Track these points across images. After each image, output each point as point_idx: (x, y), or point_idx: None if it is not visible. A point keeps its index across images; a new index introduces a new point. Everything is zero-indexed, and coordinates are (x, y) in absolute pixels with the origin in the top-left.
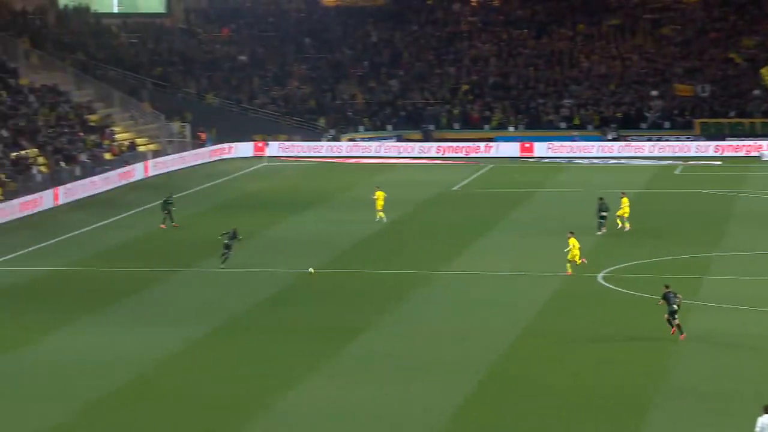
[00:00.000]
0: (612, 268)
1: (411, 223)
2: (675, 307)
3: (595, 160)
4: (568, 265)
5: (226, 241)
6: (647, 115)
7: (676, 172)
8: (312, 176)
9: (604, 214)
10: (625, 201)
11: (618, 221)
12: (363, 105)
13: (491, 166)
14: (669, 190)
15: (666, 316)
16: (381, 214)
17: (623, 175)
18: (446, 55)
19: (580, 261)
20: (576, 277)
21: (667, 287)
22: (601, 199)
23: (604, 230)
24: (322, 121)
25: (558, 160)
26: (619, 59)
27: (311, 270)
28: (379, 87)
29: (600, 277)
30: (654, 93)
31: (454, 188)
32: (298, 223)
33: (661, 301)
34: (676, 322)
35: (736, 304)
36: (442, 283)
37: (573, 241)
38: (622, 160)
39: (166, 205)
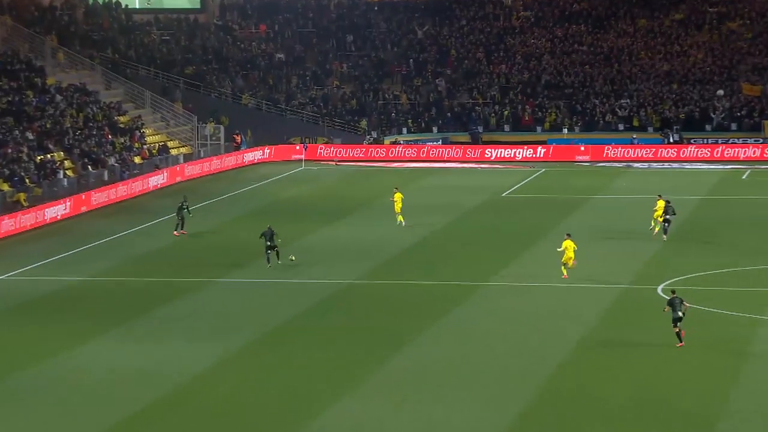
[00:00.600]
0: (673, 279)
1: (457, 231)
2: (680, 314)
3: (655, 165)
4: (563, 268)
5: (267, 243)
6: (712, 116)
7: (744, 177)
8: (353, 181)
9: (668, 218)
10: (661, 203)
11: (652, 223)
12: (407, 105)
13: (543, 170)
14: (735, 197)
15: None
16: (400, 217)
17: (685, 181)
18: (496, 53)
19: (573, 264)
20: (635, 289)
21: (673, 292)
22: (668, 202)
23: (657, 232)
24: (363, 123)
25: (615, 164)
26: (682, 56)
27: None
28: (425, 86)
29: (660, 288)
30: (720, 92)
31: (503, 194)
32: (337, 230)
33: (667, 308)
34: (677, 330)
35: None
36: (491, 294)
37: (568, 243)
38: (685, 165)
39: (180, 210)
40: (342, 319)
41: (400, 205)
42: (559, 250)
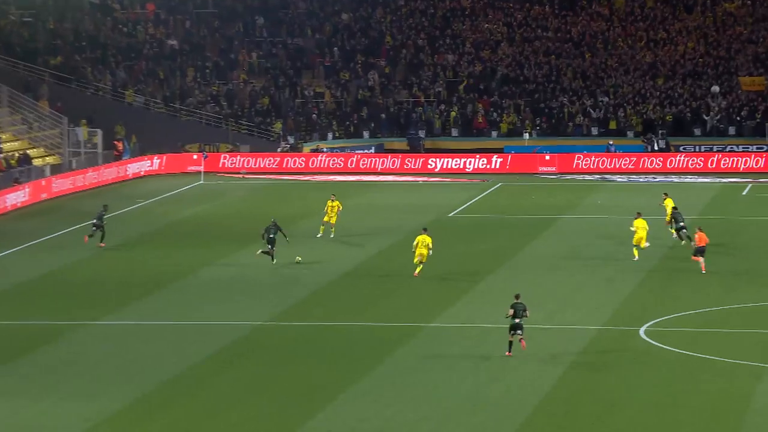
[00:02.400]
0: (660, 319)
1: (394, 261)
2: (519, 321)
3: (636, 178)
4: (635, 249)
5: (271, 236)
6: (705, 118)
7: (744, 193)
8: (264, 198)
9: (682, 224)
10: (641, 223)
11: (634, 252)
12: (332, 105)
13: (499, 184)
14: (734, 217)
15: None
16: (322, 228)
17: (673, 197)
18: (441, 40)
19: (645, 245)
20: (612, 331)
21: (517, 297)
22: (675, 208)
23: (685, 242)
24: (278, 126)
25: (588, 176)
26: (669, 44)
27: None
28: (353, 81)
29: (642, 331)
30: (715, 89)
31: (450, 214)
32: (245, 259)
33: (511, 311)
34: (512, 338)
35: None
36: (436, 338)
37: (640, 222)
38: (672, 178)
39: (101, 220)
40: (249, 372)
41: (334, 218)
42: (631, 229)
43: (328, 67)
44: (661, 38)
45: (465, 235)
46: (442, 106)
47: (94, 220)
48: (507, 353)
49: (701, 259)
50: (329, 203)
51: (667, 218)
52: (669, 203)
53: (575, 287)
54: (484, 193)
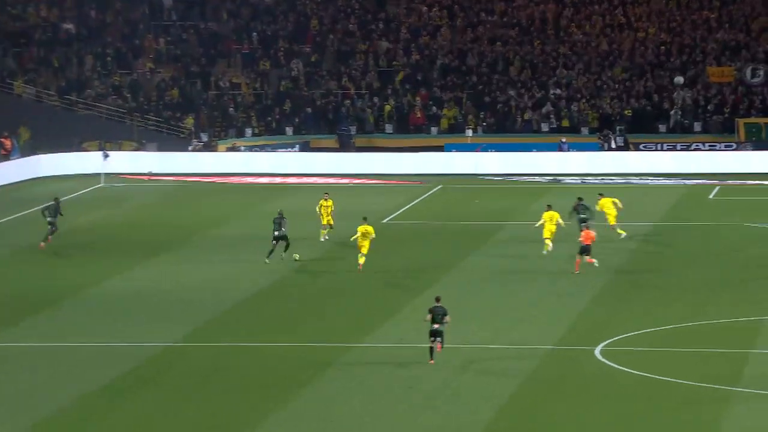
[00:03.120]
0: (617, 338)
1: (320, 273)
2: (438, 327)
3: (592, 179)
4: (546, 242)
5: (276, 232)
6: (670, 113)
7: (711, 196)
8: (174, 203)
9: (584, 216)
10: (551, 215)
11: (545, 247)
12: (250, 98)
13: (439, 186)
14: (699, 223)
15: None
16: (324, 231)
17: (632, 201)
18: (374, 24)
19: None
20: (564, 352)
21: (437, 300)
22: (580, 198)
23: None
24: (189, 122)
25: (538, 177)
26: (628, 30)
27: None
28: (275, 71)
29: (598, 350)
30: (678, 80)
31: (384, 220)
32: (151, 272)
33: (429, 317)
34: (431, 344)
35: None
36: (365, 361)
37: (549, 214)
38: (631, 179)
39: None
40: (153, 401)
41: (328, 217)
42: (537, 225)
43: (247, 54)
44: (618, 23)
45: (400, 244)
46: (375, 100)
47: (49, 219)
48: (430, 361)
49: (587, 258)
50: (322, 203)
51: (611, 221)
52: (607, 204)
53: (524, 302)
54: (422, 197)
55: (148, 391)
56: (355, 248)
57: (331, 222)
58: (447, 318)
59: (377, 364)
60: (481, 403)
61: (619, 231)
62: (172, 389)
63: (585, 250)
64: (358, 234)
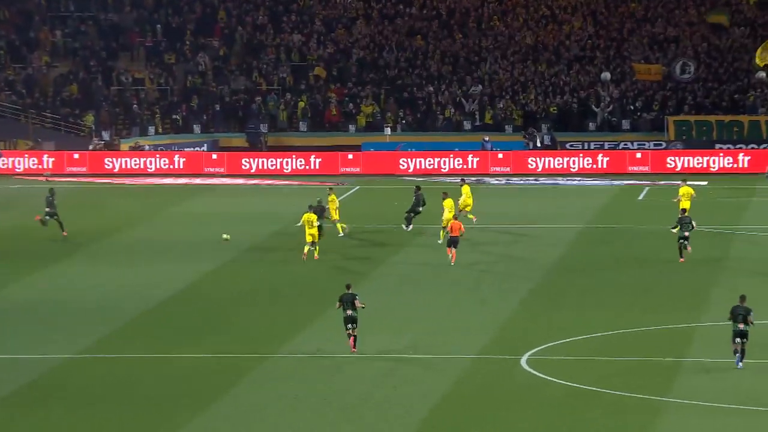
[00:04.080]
0: (544, 346)
1: (232, 281)
2: (352, 313)
3: (515, 180)
4: (441, 231)
5: (317, 224)
6: (595, 110)
7: (640, 197)
8: (73, 206)
9: (420, 209)
10: (466, 190)
11: (441, 234)
12: (155, 93)
13: (357, 188)
14: (627, 226)
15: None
16: (340, 225)
17: (558, 203)
18: (286, 15)
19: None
20: (488, 361)
21: (348, 287)
22: (418, 188)
23: (411, 227)
24: (89, 119)
25: (458, 178)
26: (553, 23)
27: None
28: (181, 65)
29: (524, 360)
30: (605, 75)
31: (298, 224)
32: (49, 280)
33: (339, 305)
34: (349, 331)
35: (727, 402)
36: (280, 372)
37: (448, 203)
38: (558, 180)
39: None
40: (54, 417)
41: (334, 213)
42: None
43: (150, 48)
44: (543, 16)
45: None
46: (288, 96)
47: (47, 209)
48: (352, 350)
49: (453, 251)
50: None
51: (446, 219)
52: (449, 204)
53: (445, 309)
54: (338, 199)
55: (47, 407)
56: (262, 251)
57: (336, 217)
58: (358, 303)
59: (293, 375)
60: (404, 416)
61: (471, 216)
62: (72, 404)
63: (453, 242)
64: (303, 223)
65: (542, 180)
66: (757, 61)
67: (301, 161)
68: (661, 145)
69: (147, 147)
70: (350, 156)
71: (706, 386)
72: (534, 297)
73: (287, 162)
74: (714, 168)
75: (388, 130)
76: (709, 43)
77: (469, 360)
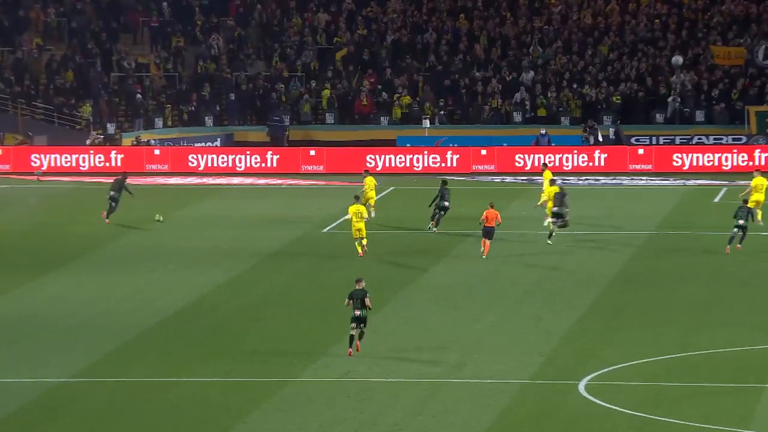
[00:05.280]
0: (606, 370)
1: (249, 293)
2: (360, 313)
3: (574, 180)
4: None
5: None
6: (668, 100)
7: (717, 199)
8: (67, 209)
9: (446, 204)
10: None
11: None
12: (161, 81)
13: (391, 188)
14: (703, 232)
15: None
16: (370, 209)
17: (622, 206)
18: None
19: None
20: (542, 388)
21: (357, 283)
22: (444, 182)
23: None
24: (86, 110)
25: (509, 177)
26: (617, 2)
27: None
28: (192, 49)
29: (582, 385)
30: (677, 60)
31: (325, 229)
32: (39, 293)
33: (348, 302)
34: (354, 332)
35: None
36: (303, 399)
37: (370, 181)
38: (622, 180)
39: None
40: None
41: (372, 193)
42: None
43: (156, 29)
44: None
45: (343, 257)
46: (313, 83)
47: (112, 193)
48: (348, 351)
49: (487, 243)
50: (366, 180)
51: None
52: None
53: (491, 327)
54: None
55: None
56: (283, 258)
57: (371, 201)
58: (368, 301)
59: (319, 401)
60: None
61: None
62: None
63: (488, 233)
64: (351, 216)
65: (603, 180)
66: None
67: (328, 158)
68: (740, 139)
69: (152, 142)
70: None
71: None
72: (593, 313)
73: (312, 158)
74: None
75: (426, 123)
76: None
77: (518, 385)
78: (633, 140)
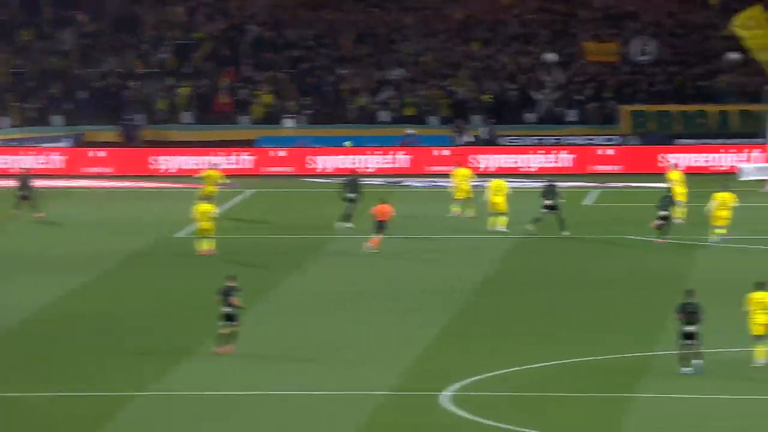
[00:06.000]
0: (469, 380)
1: (87, 307)
2: (229, 311)
3: (441, 182)
4: None
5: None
6: (536, 98)
7: (587, 202)
8: None
9: (352, 197)
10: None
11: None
12: (7, 78)
13: (252, 191)
14: (573, 236)
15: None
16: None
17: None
18: None
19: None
20: (405, 399)
21: (229, 279)
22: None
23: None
24: None
25: (374, 180)
26: None
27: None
28: (39, 43)
29: (446, 396)
30: (550, 57)
31: (178, 233)
32: None
33: (217, 298)
34: (226, 330)
35: None
36: (154, 413)
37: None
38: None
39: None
40: None
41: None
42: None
43: (2, 22)
44: None
45: (199, 263)
46: (168, 81)
47: (20, 192)
48: (217, 350)
49: (378, 238)
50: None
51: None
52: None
53: (355, 337)
54: (229, 204)
55: None
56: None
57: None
58: (236, 300)
59: (172, 415)
60: None
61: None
62: None
63: (380, 227)
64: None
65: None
66: (740, 33)
67: (184, 160)
68: (612, 140)
69: None
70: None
71: (658, 424)
72: (459, 321)
73: (169, 161)
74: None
75: (288, 123)
76: (675, 18)
77: (380, 397)
78: (503, 139)
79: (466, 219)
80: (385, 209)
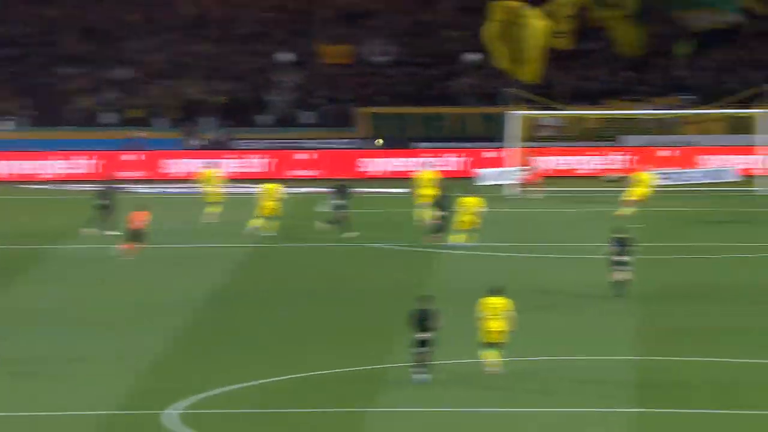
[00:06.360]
0: (197, 397)
1: None
2: None
3: (174, 186)
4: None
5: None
6: (271, 100)
7: (320, 208)
8: None
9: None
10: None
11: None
12: None
13: None
14: (305, 244)
15: None
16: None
17: (224, 213)
18: None
19: None
20: (133, 419)
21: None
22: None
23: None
24: None
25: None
26: None
27: None
28: None
29: (170, 414)
30: (285, 57)
31: None
32: None
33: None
34: None
35: None
36: None
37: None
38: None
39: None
40: None
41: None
42: None
43: None
44: None
45: None
46: None
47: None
48: None
49: (134, 245)
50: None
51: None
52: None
53: (78, 356)
54: None
55: None
56: None
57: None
58: None
59: None
60: None
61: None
62: None
63: (134, 236)
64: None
65: (204, 187)
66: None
67: None
68: (346, 142)
69: None
70: None
71: None
72: (189, 336)
73: None
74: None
75: (10, 125)
76: (412, 18)
77: (102, 417)
78: (234, 143)
79: (220, 225)
80: (140, 216)
